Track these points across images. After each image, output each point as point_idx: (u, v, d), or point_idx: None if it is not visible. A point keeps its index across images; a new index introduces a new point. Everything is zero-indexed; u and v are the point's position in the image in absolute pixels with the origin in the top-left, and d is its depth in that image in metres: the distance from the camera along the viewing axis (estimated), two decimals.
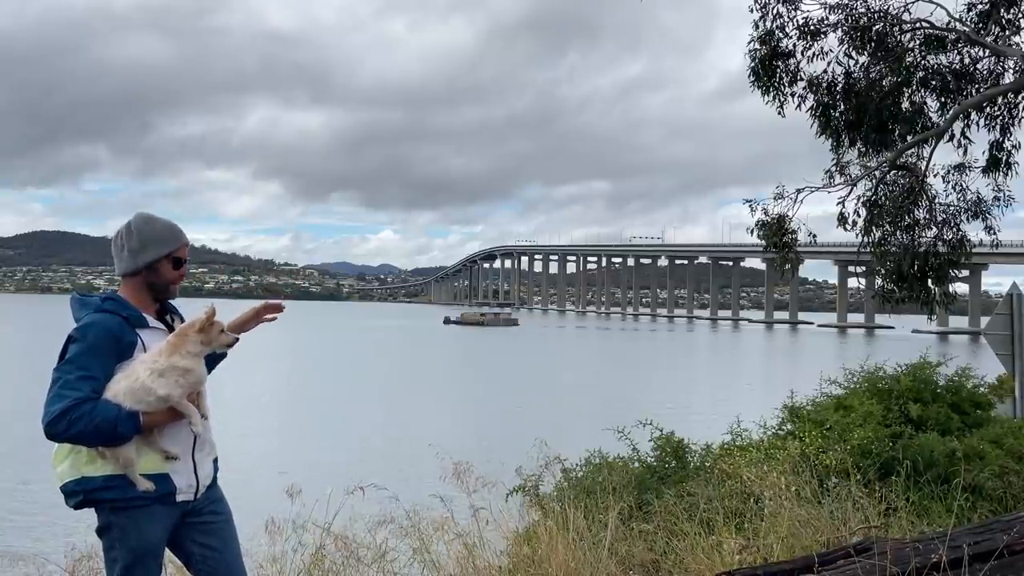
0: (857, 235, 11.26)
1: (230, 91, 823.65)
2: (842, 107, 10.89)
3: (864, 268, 15.04)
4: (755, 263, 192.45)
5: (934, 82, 10.69)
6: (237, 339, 3.44)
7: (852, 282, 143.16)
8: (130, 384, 3.24)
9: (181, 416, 3.36)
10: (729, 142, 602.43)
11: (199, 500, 3.48)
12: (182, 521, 3.47)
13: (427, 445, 7.29)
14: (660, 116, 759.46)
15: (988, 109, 10.58)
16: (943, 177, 11.04)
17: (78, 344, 3.27)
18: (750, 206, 11.29)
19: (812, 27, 10.72)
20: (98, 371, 3.24)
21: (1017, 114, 10.55)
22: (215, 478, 3.60)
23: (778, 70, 10.91)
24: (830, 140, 11.03)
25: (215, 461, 3.59)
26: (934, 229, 11.02)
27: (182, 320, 3.60)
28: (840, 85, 10.86)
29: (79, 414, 3.14)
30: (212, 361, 3.55)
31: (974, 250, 11.35)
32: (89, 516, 3.37)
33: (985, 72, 10.69)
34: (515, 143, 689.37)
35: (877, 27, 10.55)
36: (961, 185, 10.96)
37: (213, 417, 3.53)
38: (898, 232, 11.07)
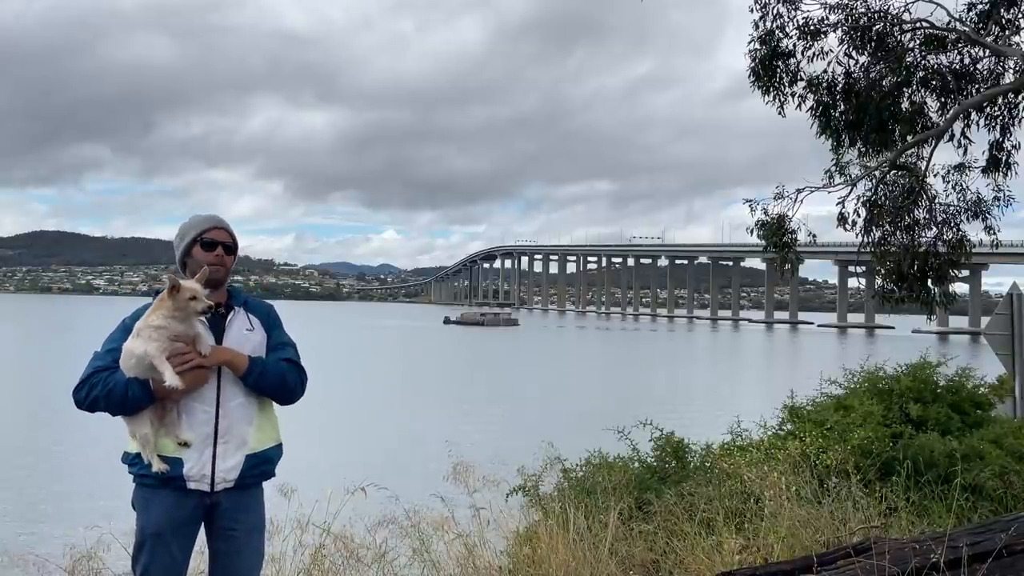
0: (857, 235, 11.24)
1: (235, 90, 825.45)
2: (842, 107, 10.87)
3: (864, 268, 15.01)
4: (755, 263, 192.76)
5: (934, 82, 10.68)
6: (210, 306, 3.47)
7: (852, 282, 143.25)
8: (121, 354, 3.45)
9: (193, 389, 3.44)
10: (736, 142, 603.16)
11: (223, 501, 3.50)
12: (211, 522, 3.54)
13: (427, 445, 7.31)
14: (666, 116, 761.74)
15: (988, 109, 10.57)
16: (943, 177, 11.03)
17: (119, 325, 3.61)
18: (750, 206, 11.26)
19: (812, 27, 10.70)
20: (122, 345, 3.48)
21: (1017, 114, 10.53)
22: (257, 477, 3.58)
23: (778, 70, 10.89)
24: (830, 140, 11.01)
25: (255, 458, 3.56)
26: (934, 229, 11.00)
27: (244, 308, 3.71)
28: (840, 85, 10.84)
29: (96, 380, 3.44)
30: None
31: (974, 250, 11.33)
32: (87, 519, 3.40)
33: (985, 72, 10.67)
34: (519, 143, 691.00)
35: (877, 27, 10.53)
36: (961, 185, 10.94)
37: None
38: (898, 232, 11.05)
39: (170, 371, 3.35)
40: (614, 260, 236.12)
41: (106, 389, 3.41)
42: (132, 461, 3.52)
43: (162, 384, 3.36)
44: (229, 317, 3.65)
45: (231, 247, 3.72)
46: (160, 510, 3.43)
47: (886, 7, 10.63)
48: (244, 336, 3.64)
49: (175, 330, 3.40)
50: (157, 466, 3.41)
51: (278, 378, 3.63)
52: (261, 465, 3.59)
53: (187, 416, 3.44)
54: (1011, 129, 10.59)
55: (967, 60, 10.67)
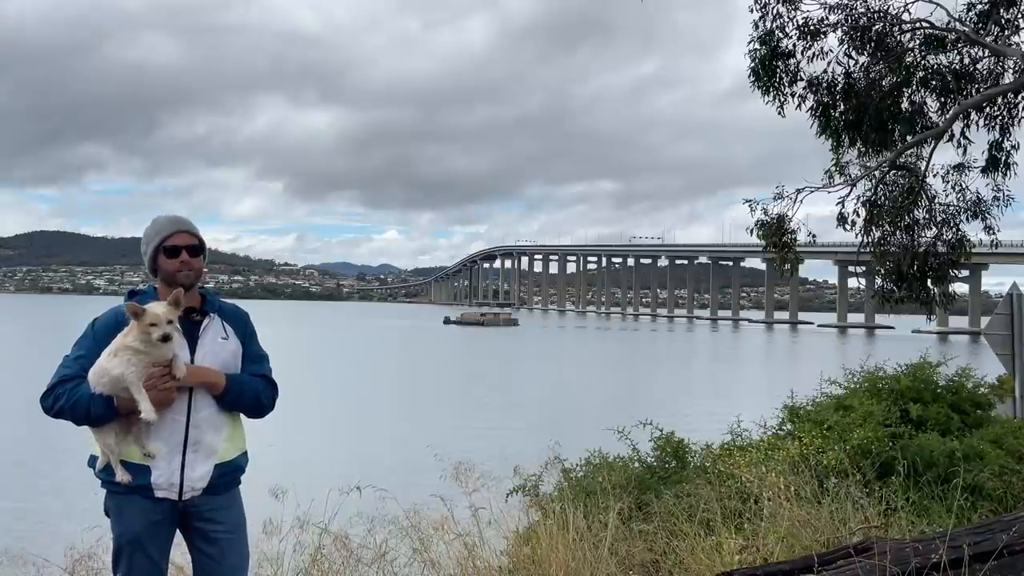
0: (857, 235, 11.26)
1: (238, 90, 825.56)
2: (842, 107, 10.87)
3: (864, 268, 15.04)
4: (755, 263, 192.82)
5: (934, 82, 10.68)
6: (166, 335, 3.33)
7: (852, 282, 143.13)
8: (94, 367, 3.38)
9: (165, 405, 3.37)
10: (740, 142, 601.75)
11: (198, 504, 3.46)
12: (188, 524, 3.49)
13: (427, 445, 7.28)
14: (670, 116, 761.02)
15: (988, 109, 10.57)
16: (943, 177, 11.05)
17: (87, 328, 3.52)
18: (750, 206, 11.27)
19: (812, 27, 10.70)
20: (92, 353, 3.41)
21: (1017, 114, 10.54)
22: (227, 484, 3.54)
23: (778, 70, 10.89)
24: (830, 140, 11.02)
25: (224, 467, 3.52)
26: (934, 229, 11.02)
27: (219, 315, 3.63)
28: (840, 85, 10.84)
29: (62, 391, 3.37)
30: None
31: (974, 250, 11.35)
32: (87, 519, 3.39)
33: (985, 72, 10.67)
34: (522, 142, 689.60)
35: (877, 27, 10.54)
36: (961, 185, 10.97)
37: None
38: (898, 232, 11.07)
39: (147, 403, 3.29)
40: (614, 260, 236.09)
41: (70, 402, 3.33)
42: (98, 466, 3.47)
43: (134, 409, 3.30)
44: (204, 324, 3.55)
45: (197, 248, 3.58)
46: (135, 517, 3.38)
47: (886, 7, 10.64)
48: (219, 345, 3.56)
49: (154, 356, 3.34)
50: (120, 475, 3.37)
51: (252, 398, 3.60)
52: (230, 473, 3.55)
53: (156, 425, 3.36)
54: (1011, 129, 10.61)
55: (967, 60, 10.68)
